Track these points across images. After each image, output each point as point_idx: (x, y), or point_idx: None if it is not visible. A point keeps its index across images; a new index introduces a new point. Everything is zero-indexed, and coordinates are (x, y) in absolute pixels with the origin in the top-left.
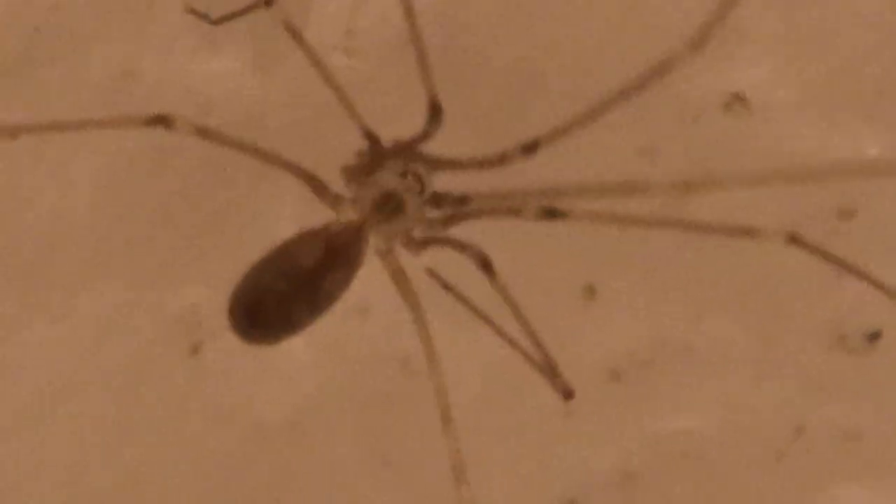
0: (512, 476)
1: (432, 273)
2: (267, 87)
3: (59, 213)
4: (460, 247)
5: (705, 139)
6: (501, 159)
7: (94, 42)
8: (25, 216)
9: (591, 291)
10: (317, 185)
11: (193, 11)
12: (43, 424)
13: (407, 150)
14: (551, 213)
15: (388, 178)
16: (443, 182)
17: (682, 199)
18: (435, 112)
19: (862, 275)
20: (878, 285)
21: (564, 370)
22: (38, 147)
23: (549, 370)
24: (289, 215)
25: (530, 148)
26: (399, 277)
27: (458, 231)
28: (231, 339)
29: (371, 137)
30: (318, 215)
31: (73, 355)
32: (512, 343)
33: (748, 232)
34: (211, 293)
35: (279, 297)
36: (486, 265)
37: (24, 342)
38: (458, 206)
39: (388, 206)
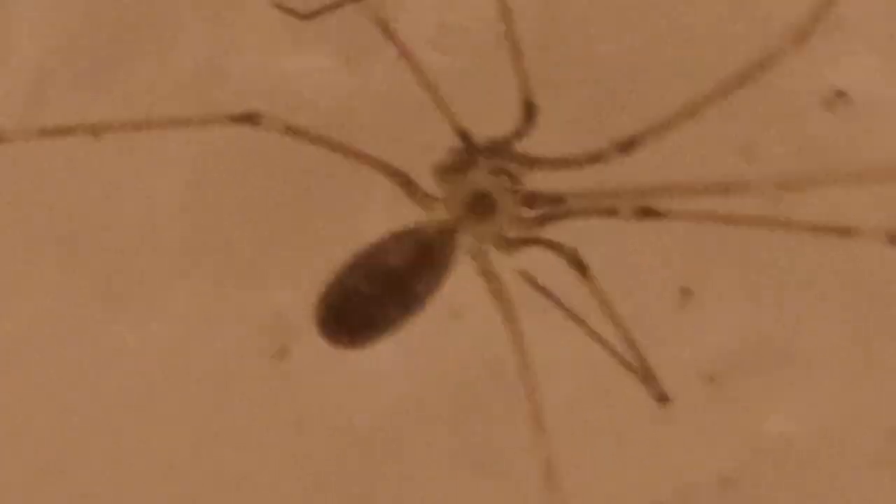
0: (605, 482)
1: (525, 274)
2: (357, 83)
3: (146, 213)
4: (554, 247)
5: (805, 137)
6: (597, 158)
7: (181, 37)
8: (111, 215)
9: (687, 293)
10: (407, 185)
11: (282, 7)
12: (126, 429)
13: (500, 149)
14: (647, 213)
15: (480, 177)
16: (536, 181)
17: (781, 199)
18: (529, 110)
19: None
20: None
21: (660, 374)
22: (125, 145)
23: (644, 374)
24: (379, 215)
25: (626, 146)
26: (491, 279)
27: (552, 231)
28: (319, 343)
29: (464, 135)
30: (408, 215)
31: (157, 357)
32: (606, 346)
33: (848, 231)
34: (298, 295)
35: (368, 300)
36: (580, 266)
37: (108, 343)
38: (552, 206)
39: (481, 206)
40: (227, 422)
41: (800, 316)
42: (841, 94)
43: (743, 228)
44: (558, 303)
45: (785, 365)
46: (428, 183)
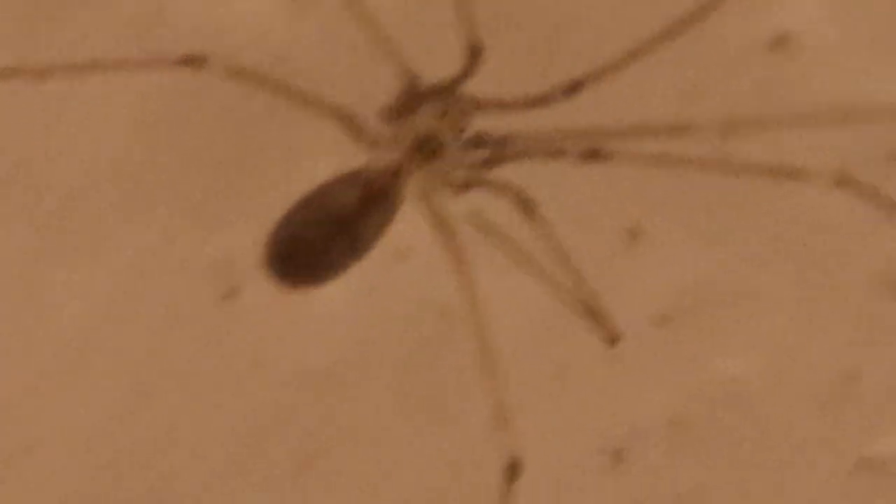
0: (555, 423)
1: (472, 216)
2: (300, 25)
3: (88, 159)
4: (501, 189)
5: (750, 81)
6: (543, 100)
7: None
8: (54, 160)
9: (635, 234)
10: (353, 127)
11: None
12: (72, 373)
13: (446, 91)
14: (594, 155)
15: (426, 119)
16: (483, 123)
17: (727, 142)
18: (475, 51)
19: None
20: None
21: (609, 315)
22: (67, 90)
23: (594, 315)
24: (325, 158)
25: (572, 88)
26: (438, 221)
27: (499, 173)
28: (267, 284)
29: (409, 77)
30: (354, 158)
31: (102, 302)
32: (555, 288)
33: (796, 174)
34: (246, 237)
35: (316, 241)
36: (527, 208)
37: (51, 289)
38: (499, 148)
39: (427, 148)
40: (175, 366)
41: (748, 257)
42: (785, 37)
43: (690, 171)
44: (507, 245)
45: (734, 306)
46: (375, 125)
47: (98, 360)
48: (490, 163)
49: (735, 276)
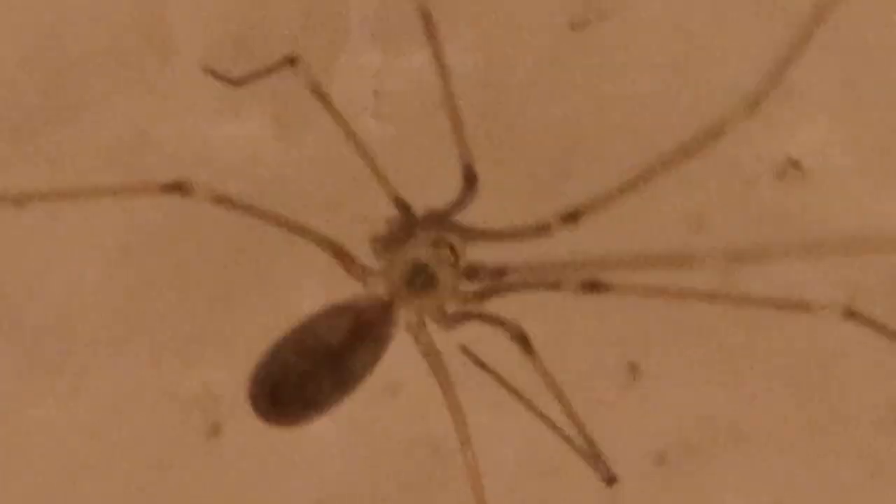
0: None
1: (466, 350)
2: (291, 152)
3: (71, 286)
4: (496, 322)
5: (757, 207)
6: (540, 230)
7: (108, 103)
8: (34, 288)
9: (634, 370)
10: (344, 257)
11: (212, 72)
12: None
13: (440, 220)
14: (593, 287)
15: (420, 250)
16: (478, 253)
17: (732, 271)
18: (470, 179)
19: None
20: None
21: (607, 454)
22: (48, 215)
23: (591, 454)
24: (314, 289)
25: (571, 217)
26: (431, 355)
27: (494, 306)
28: (252, 421)
29: (402, 206)
30: (344, 289)
31: (82, 437)
32: (551, 425)
33: (802, 305)
34: (230, 371)
35: (303, 376)
36: (523, 341)
37: (30, 423)
38: (495, 279)
39: (420, 279)
40: (157, 503)
41: (752, 393)
42: (794, 163)
43: (692, 302)
44: (500, 379)
45: (737, 444)
46: (366, 256)
47: (78, 496)
48: (484, 295)
49: (737, 412)
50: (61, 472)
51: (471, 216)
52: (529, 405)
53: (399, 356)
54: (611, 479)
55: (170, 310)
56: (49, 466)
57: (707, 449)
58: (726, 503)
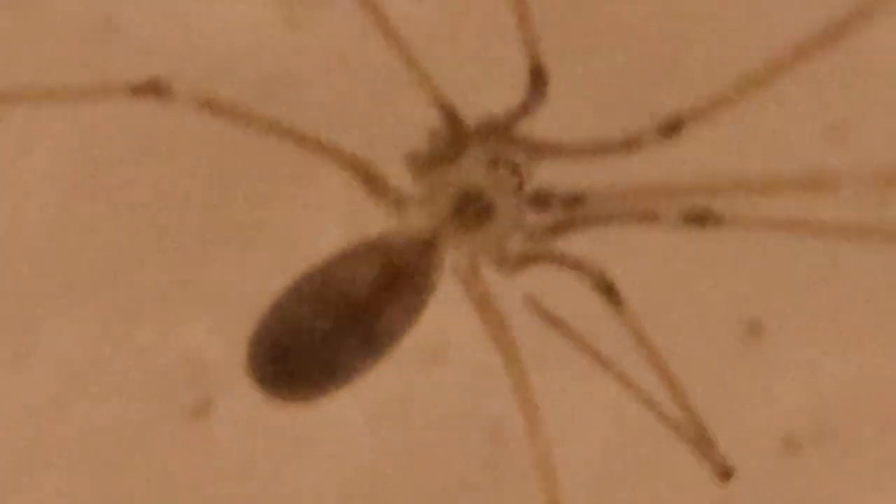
0: None
1: (533, 302)
2: (302, 40)
3: (12, 220)
4: (573, 266)
5: None
6: (630, 144)
7: None
8: None
9: (755, 329)
10: (371, 180)
11: None
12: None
13: (499, 132)
14: (700, 218)
15: (472, 170)
16: (548, 176)
17: (882, 198)
18: (538, 79)
19: None
20: None
21: (721, 438)
22: None
23: (699, 439)
24: (332, 224)
25: (671, 128)
26: (487, 309)
27: (570, 244)
28: (251, 396)
29: (449, 113)
30: (372, 223)
31: (31, 416)
32: (645, 401)
33: None
34: (222, 332)
35: (319, 338)
36: (608, 290)
37: None
38: (571, 209)
39: (473, 209)
40: (128, 499)
41: None
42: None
43: (830, 239)
44: (579, 341)
45: (887, 426)
46: (400, 178)
47: (30, 488)
48: (557, 230)
49: (889, 385)
50: (12, 457)
51: (539, 127)
52: (617, 375)
53: (444, 311)
54: (725, 473)
55: (143, 252)
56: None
57: (849, 433)
58: (872, 503)
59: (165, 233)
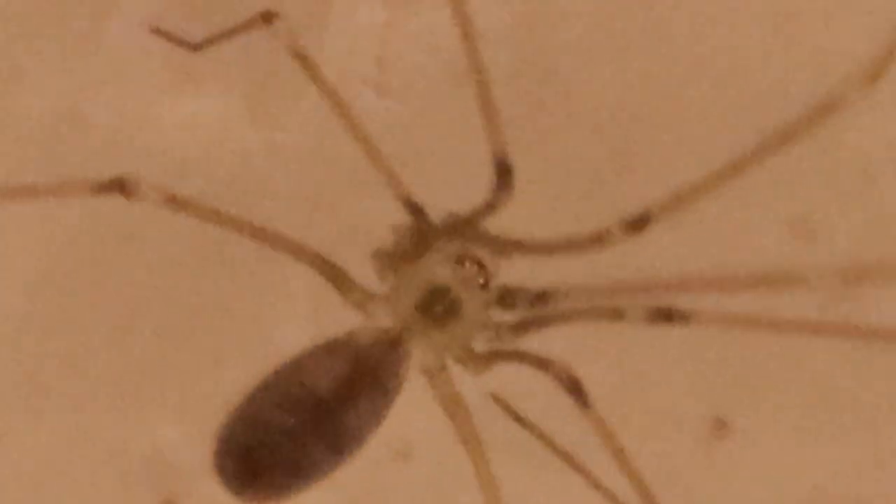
0: None
1: (499, 400)
2: (267, 138)
3: None
4: (539, 363)
5: (878, 208)
6: (596, 241)
7: (28, 75)
8: None
9: (721, 425)
10: (337, 278)
11: (163, 33)
12: None
13: (464, 228)
14: (666, 316)
15: (438, 267)
16: (514, 273)
17: (849, 294)
18: (503, 174)
19: None
20: None
21: None
22: None
23: None
24: (298, 321)
25: (637, 224)
26: (453, 406)
27: (536, 342)
28: (218, 495)
29: (414, 210)
30: (339, 321)
31: None
32: (611, 498)
33: None
34: (188, 429)
35: (286, 436)
36: (575, 388)
37: None
38: (536, 307)
39: (439, 307)
40: None
41: (880, 458)
42: None
43: (797, 336)
44: (544, 438)
45: None
46: (367, 275)
47: None
48: (523, 328)
49: (859, 482)
50: None
51: (504, 223)
52: (584, 472)
53: (412, 409)
54: None
55: (107, 347)
56: None
57: None
58: None
59: (131, 329)
